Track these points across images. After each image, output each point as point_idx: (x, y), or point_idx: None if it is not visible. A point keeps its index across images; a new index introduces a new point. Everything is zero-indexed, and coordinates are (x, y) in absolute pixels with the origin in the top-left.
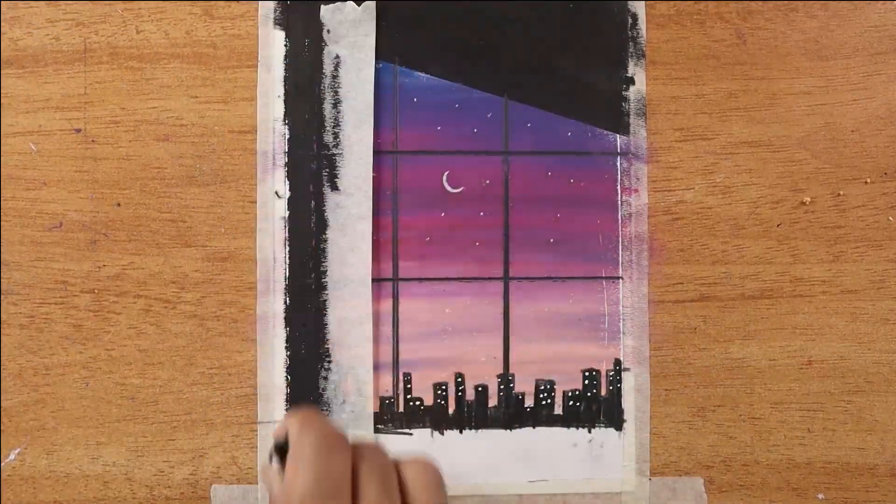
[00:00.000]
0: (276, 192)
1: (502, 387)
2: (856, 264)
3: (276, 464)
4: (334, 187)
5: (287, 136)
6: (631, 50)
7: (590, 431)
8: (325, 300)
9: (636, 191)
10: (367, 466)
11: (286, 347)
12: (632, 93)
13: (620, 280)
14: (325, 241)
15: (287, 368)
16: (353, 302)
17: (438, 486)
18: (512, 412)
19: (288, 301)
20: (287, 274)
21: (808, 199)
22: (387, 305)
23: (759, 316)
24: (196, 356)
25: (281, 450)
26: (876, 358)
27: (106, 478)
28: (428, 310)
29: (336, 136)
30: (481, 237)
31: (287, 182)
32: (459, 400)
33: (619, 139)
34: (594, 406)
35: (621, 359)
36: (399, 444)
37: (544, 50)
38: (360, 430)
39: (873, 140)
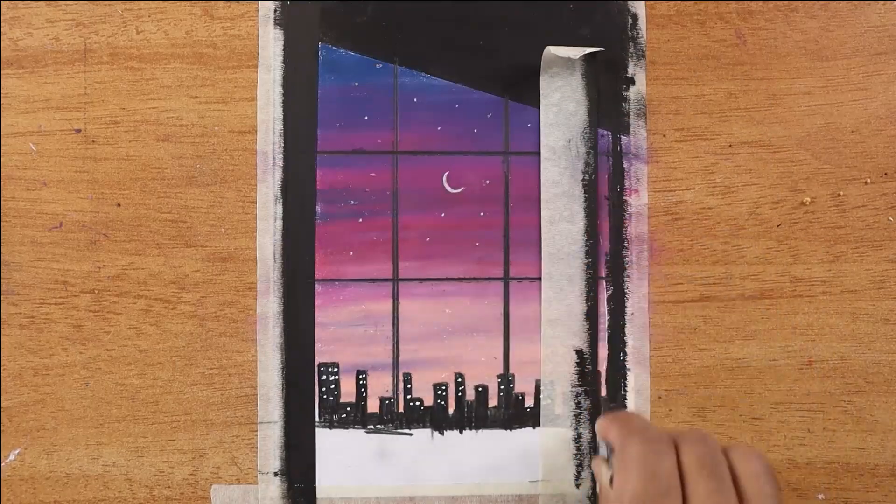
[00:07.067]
0: None
1: (502, 387)
2: (856, 264)
3: (606, 454)
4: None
5: (284, 135)
6: (631, 50)
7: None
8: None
9: (636, 191)
10: (695, 460)
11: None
12: (632, 93)
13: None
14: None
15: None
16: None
17: (769, 474)
18: (512, 412)
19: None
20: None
21: (808, 200)
22: (387, 305)
23: (759, 316)
24: (196, 356)
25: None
26: (876, 358)
27: (106, 478)
28: (428, 310)
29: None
30: (481, 237)
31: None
32: (459, 400)
33: (620, 139)
34: (594, 406)
35: (621, 359)
36: (399, 444)
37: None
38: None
39: (873, 140)
